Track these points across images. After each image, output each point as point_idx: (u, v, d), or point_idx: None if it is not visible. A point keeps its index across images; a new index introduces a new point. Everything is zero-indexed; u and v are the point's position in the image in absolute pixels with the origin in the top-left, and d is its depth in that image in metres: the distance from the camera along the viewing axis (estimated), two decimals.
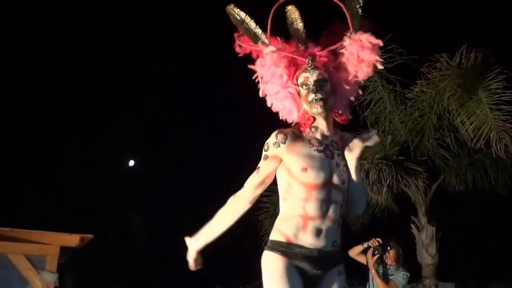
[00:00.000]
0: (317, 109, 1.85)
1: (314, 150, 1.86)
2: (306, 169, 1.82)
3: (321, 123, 1.90)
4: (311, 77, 1.87)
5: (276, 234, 1.88)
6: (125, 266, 11.04)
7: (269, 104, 1.99)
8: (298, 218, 1.84)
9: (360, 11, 1.92)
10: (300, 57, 1.91)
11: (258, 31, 1.99)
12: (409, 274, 3.92)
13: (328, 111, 1.89)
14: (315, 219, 1.82)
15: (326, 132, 1.91)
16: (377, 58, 1.88)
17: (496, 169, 5.69)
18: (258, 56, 1.99)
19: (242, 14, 2.00)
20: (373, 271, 3.79)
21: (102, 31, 10.88)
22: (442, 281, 6.29)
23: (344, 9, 1.91)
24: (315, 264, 1.85)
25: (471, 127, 5.14)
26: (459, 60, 5.24)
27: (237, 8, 2.03)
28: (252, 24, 2.00)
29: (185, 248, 2.01)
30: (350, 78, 1.92)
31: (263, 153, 1.91)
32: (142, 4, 10.88)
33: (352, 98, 2.01)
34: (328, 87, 1.89)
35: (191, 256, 1.98)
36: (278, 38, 1.98)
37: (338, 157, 1.89)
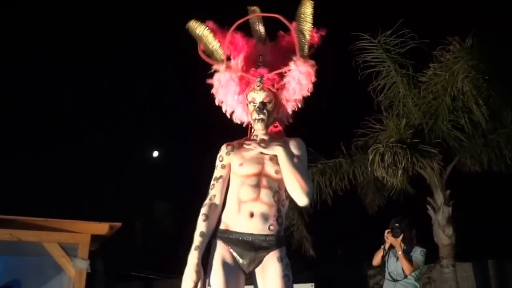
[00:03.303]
0: (258, 126, 2.23)
1: (252, 152, 2.19)
2: (242, 164, 2.17)
3: (260, 133, 2.25)
4: (257, 97, 2.23)
5: (220, 224, 2.17)
6: (152, 253, 11.40)
7: (223, 110, 2.35)
8: (234, 203, 2.13)
9: (308, 36, 2.22)
10: (251, 76, 2.25)
11: (216, 46, 2.27)
12: (425, 250, 4.01)
13: (266, 127, 2.24)
14: (247, 202, 2.10)
15: (264, 139, 2.21)
16: (311, 85, 2.24)
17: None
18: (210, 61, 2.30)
19: (202, 28, 2.27)
20: (400, 252, 3.84)
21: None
22: (459, 261, 6.32)
23: (293, 33, 2.21)
24: (250, 247, 2.07)
25: (486, 107, 5.16)
26: (471, 42, 5.23)
27: (198, 22, 2.28)
28: (210, 39, 2.27)
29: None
30: (290, 96, 2.27)
31: (219, 164, 2.25)
32: None
33: (290, 111, 2.33)
34: (271, 106, 2.24)
35: (192, 270, 2.03)
36: (234, 49, 2.29)
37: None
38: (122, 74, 11.35)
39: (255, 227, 2.07)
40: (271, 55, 2.34)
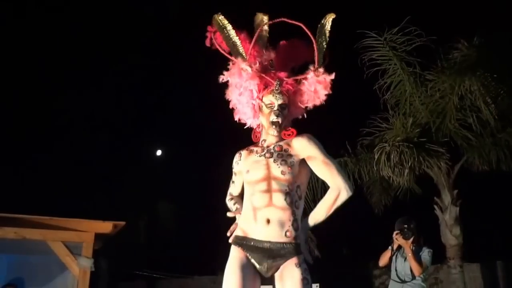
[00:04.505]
0: (273, 131, 2.24)
1: (257, 156, 2.23)
2: (248, 170, 2.21)
3: (270, 138, 2.27)
4: (276, 101, 2.24)
5: (238, 230, 2.20)
6: (155, 252, 11.42)
7: (231, 106, 2.33)
8: (249, 211, 2.15)
9: (325, 47, 2.27)
10: (270, 79, 2.26)
11: (237, 41, 2.28)
12: (432, 250, 3.97)
13: (280, 131, 2.25)
14: (261, 208, 2.11)
15: (272, 142, 2.26)
16: (325, 95, 2.28)
17: None
18: (227, 55, 2.31)
19: (226, 22, 2.29)
20: (410, 254, 3.80)
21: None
22: (467, 262, 6.25)
23: (315, 45, 2.23)
24: (267, 254, 2.07)
25: (494, 106, 5.09)
26: (480, 40, 5.16)
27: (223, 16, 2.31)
28: (232, 33, 2.28)
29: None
30: (302, 103, 2.31)
31: (232, 170, 2.38)
32: None
33: (298, 116, 2.37)
34: (286, 111, 2.27)
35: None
36: (255, 52, 2.28)
37: (278, 155, 2.19)
38: (123, 74, 11.36)
39: (272, 234, 2.07)
40: (275, 62, 2.36)
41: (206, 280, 9.57)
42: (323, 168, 2.15)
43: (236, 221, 2.26)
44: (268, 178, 2.14)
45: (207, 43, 2.35)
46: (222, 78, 2.30)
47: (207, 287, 9.45)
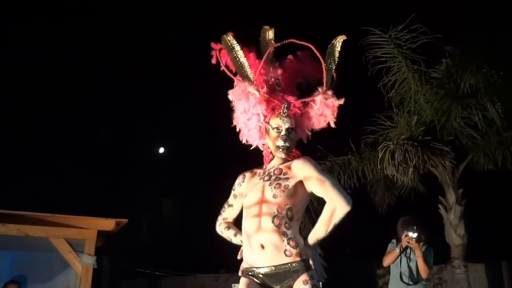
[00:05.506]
0: (280, 154, 2.20)
1: (258, 179, 2.23)
2: (246, 195, 2.21)
3: (275, 160, 2.26)
4: (283, 125, 2.20)
5: (244, 263, 2.18)
6: (157, 249, 11.43)
7: (237, 129, 2.31)
8: (245, 239, 2.14)
9: (333, 68, 2.23)
10: (278, 101, 2.23)
11: (245, 63, 2.24)
12: (431, 249, 3.93)
13: (288, 155, 2.22)
14: (252, 234, 2.09)
15: (274, 165, 2.24)
16: (334, 119, 2.26)
17: None
18: (233, 76, 2.28)
19: (234, 43, 2.25)
20: (420, 256, 3.74)
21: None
22: (471, 262, 6.21)
23: (323, 67, 2.19)
24: (276, 279, 2.05)
25: (500, 104, 5.04)
26: (486, 38, 5.10)
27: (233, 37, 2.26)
28: (240, 54, 2.24)
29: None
30: (309, 126, 2.29)
31: (232, 192, 2.33)
32: None
33: (303, 139, 2.34)
34: (293, 134, 2.24)
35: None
36: (262, 70, 2.24)
37: (275, 179, 2.17)
38: (125, 74, 11.37)
39: (272, 259, 2.04)
40: (281, 80, 2.33)
41: (208, 278, 9.58)
42: (318, 185, 2.11)
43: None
44: (261, 202, 2.11)
45: (213, 61, 2.33)
46: (230, 97, 2.28)
47: (208, 285, 9.45)
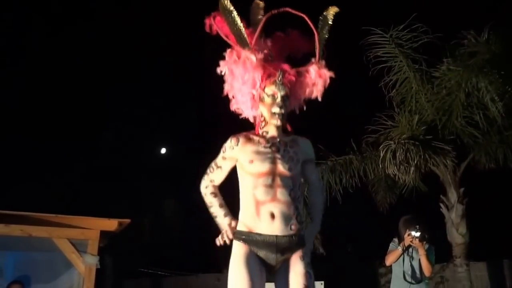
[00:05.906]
0: (276, 121, 2.20)
1: (262, 147, 2.18)
2: (252, 161, 2.14)
3: (272, 129, 2.23)
4: (279, 92, 2.19)
5: (240, 225, 2.15)
6: (160, 249, 11.46)
7: (230, 96, 2.26)
8: (251, 205, 2.11)
9: (326, 40, 2.25)
10: (273, 69, 2.21)
11: (242, 28, 2.20)
12: (433, 247, 3.94)
13: (282, 122, 2.22)
14: (265, 203, 2.08)
15: (274, 135, 2.22)
16: (322, 90, 2.28)
17: None
18: (228, 40, 2.23)
19: (232, 8, 2.21)
20: (424, 255, 3.76)
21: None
22: (473, 261, 6.21)
23: (316, 38, 2.21)
24: (275, 249, 2.07)
25: (501, 103, 5.04)
26: (487, 36, 5.10)
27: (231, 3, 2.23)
28: (238, 19, 2.20)
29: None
30: (301, 95, 2.30)
31: (221, 154, 2.25)
32: None
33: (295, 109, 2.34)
34: (288, 102, 2.24)
35: (229, 231, 2.18)
36: (259, 41, 2.23)
37: (284, 151, 2.18)
38: (126, 73, 11.40)
39: (277, 228, 2.07)
40: (272, 51, 2.33)
41: (211, 277, 9.59)
42: (315, 171, 2.32)
43: (224, 229, 2.18)
44: (274, 173, 2.13)
45: (207, 28, 2.28)
46: (221, 68, 2.22)
47: (211, 285, 9.47)
